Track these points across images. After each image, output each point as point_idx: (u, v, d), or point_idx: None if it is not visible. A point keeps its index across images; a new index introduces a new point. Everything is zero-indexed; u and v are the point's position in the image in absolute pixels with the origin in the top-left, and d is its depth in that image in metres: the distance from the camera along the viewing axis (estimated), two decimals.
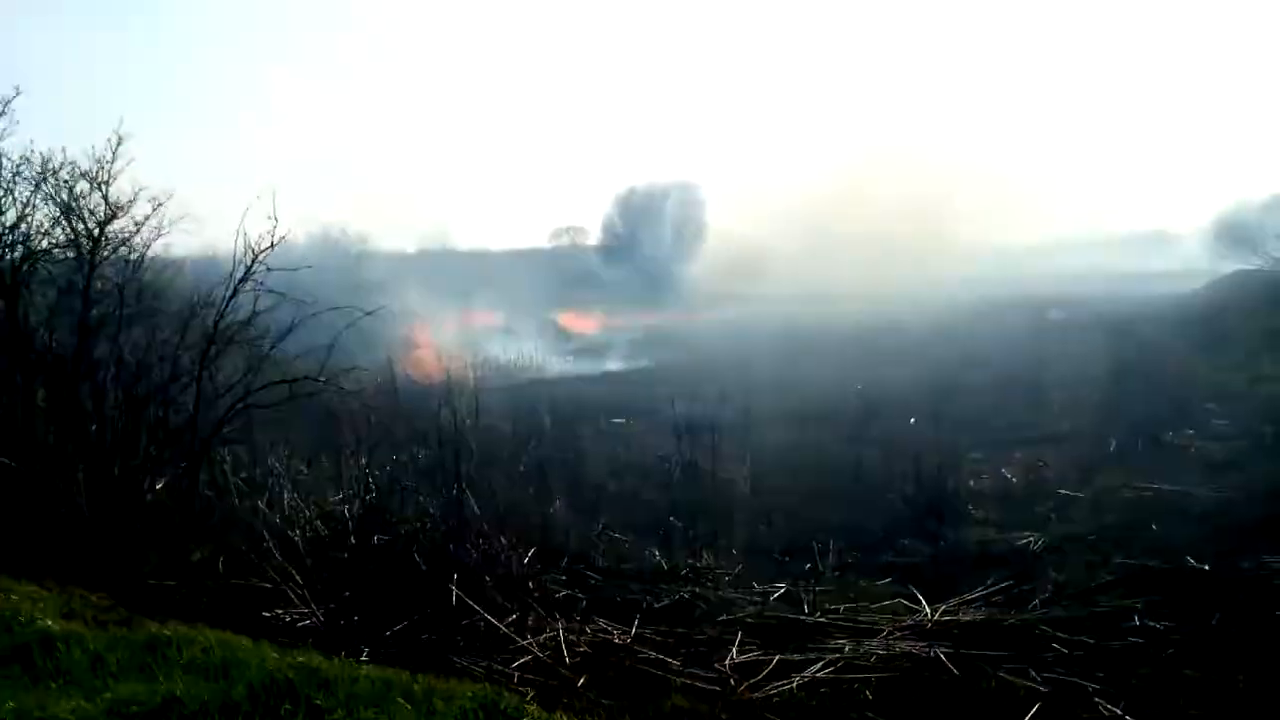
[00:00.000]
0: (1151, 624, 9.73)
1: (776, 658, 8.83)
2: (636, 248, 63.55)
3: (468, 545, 10.97)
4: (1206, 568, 11.50)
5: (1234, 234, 64.62)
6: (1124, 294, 47.63)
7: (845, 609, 10.63)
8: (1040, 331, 37.27)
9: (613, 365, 36.44)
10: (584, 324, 48.05)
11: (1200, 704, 7.63)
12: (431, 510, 11.63)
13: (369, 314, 12.82)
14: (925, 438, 19.74)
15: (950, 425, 20.88)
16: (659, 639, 9.63)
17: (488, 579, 10.24)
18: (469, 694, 5.46)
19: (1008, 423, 22.99)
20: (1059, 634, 9.44)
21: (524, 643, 8.91)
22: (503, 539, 11.52)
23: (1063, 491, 16.02)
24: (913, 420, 21.94)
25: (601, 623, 9.84)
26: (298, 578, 9.54)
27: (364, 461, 13.31)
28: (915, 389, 25.12)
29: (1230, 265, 60.42)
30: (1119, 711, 7.49)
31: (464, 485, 11.88)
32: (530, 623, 9.52)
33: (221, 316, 11.68)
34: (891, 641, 9.40)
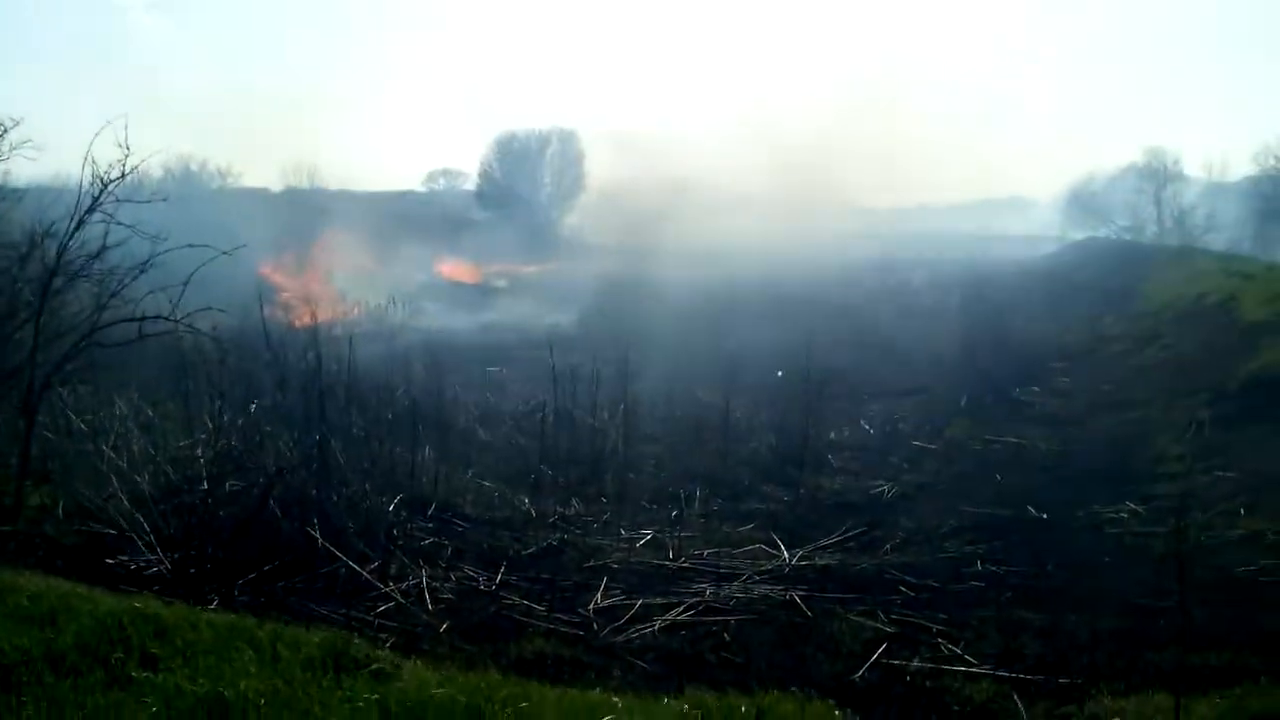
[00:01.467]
0: (992, 568, 10.35)
1: (640, 602, 9.01)
2: (514, 194, 62.45)
3: (329, 491, 10.70)
4: (1044, 516, 12.30)
5: (1084, 203, 68.29)
6: (981, 257, 49.76)
7: (709, 554, 10.91)
8: (901, 291, 38.68)
9: (489, 315, 35.88)
10: (460, 271, 47.10)
11: (1035, 642, 8.16)
12: (292, 456, 11.25)
13: (226, 253, 12.15)
14: (790, 391, 20.29)
15: (814, 379, 21.51)
16: (525, 585, 9.68)
17: (350, 526, 10.03)
18: (316, 640, 5.33)
19: (869, 377, 23.80)
20: (907, 578, 9.95)
21: (386, 589, 8.80)
22: (367, 486, 11.30)
23: (916, 443, 16.76)
24: (779, 374, 22.49)
25: (467, 570, 9.81)
26: (144, 524, 9.10)
27: (219, 405, 12.73)
28: (783, 344, 25.70)
29: (1080, 232, 64.04)
30: (958, 650, 7.95)
31: (328, 431, 11.52)
32: (393, 570, 9.40)
33: (65, 248, 10.87)
34: (750, 585, 9.72)
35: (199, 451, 10.63)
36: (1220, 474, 13.26)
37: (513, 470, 14.63)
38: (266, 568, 8.91)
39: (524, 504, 12.82)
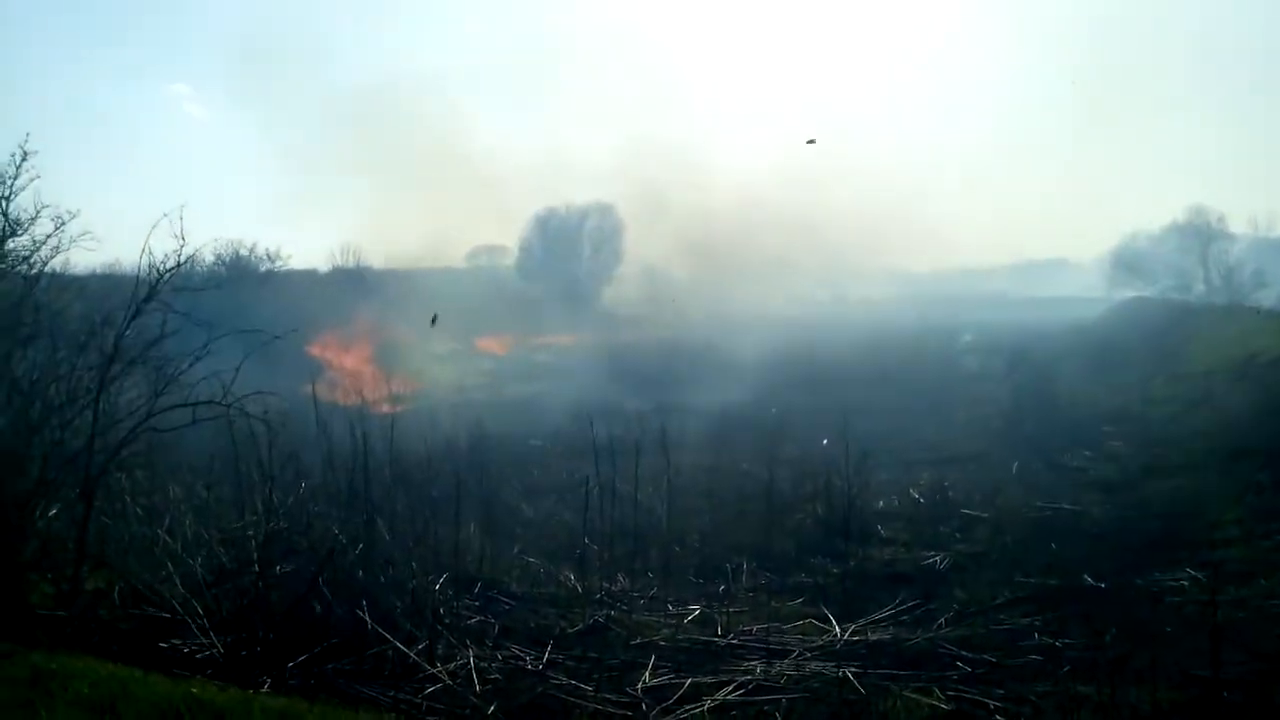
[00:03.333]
0: (1049, 640, 10.08)
1: (689, 681, 8.88)
2: (554, 269, 63.44)
3: (376, 572, 10.76)
4: (1102, 585, 11.98)
5: (1129, 263, 67.68)
6: (1027, 320, 49.37)
7: (758, 630, 10.75)
8: (947, 355, 38.40)
9: (530, 387, 36.23)
10: (503, 345, 47.72)
11: (1094, 718, 7.91)
12: (340, 536, 11.35)
13: (277, 338, 12.49)
14: (836, 459, 20.12)
15: (860, 446, 21.34)
16: (572, 664, 9.60)
17: (397, 606, 10.06)
18: None
19: (915, 444, 23.57)
20: (962, 652, 9.71)
21: (433, 670, 8.77)
22: (413, 565, 11.34)
23: (967, 511, 16.47)
24: (824, 442, 22.33)
25: (514, 649, 9.76)
26: (198, 607, 9.21)
27: (269, 487, 12.94)
28: (827, 411, 25.58)
29: (1125, 292, 63.34)
30: None
31: (374, 510, 11.64)
32: (440, 651, 9.38)
33: (122, 337, 11.25)
34: (802, 662, 9.55)
35: (250, 533, 10.77)
36: None
37: (557, 546, 14.62)
38: (317, 650, 8.95)
39: (569, 580, 12.77)
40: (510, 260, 71.79)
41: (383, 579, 10.76)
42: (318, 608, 9.65)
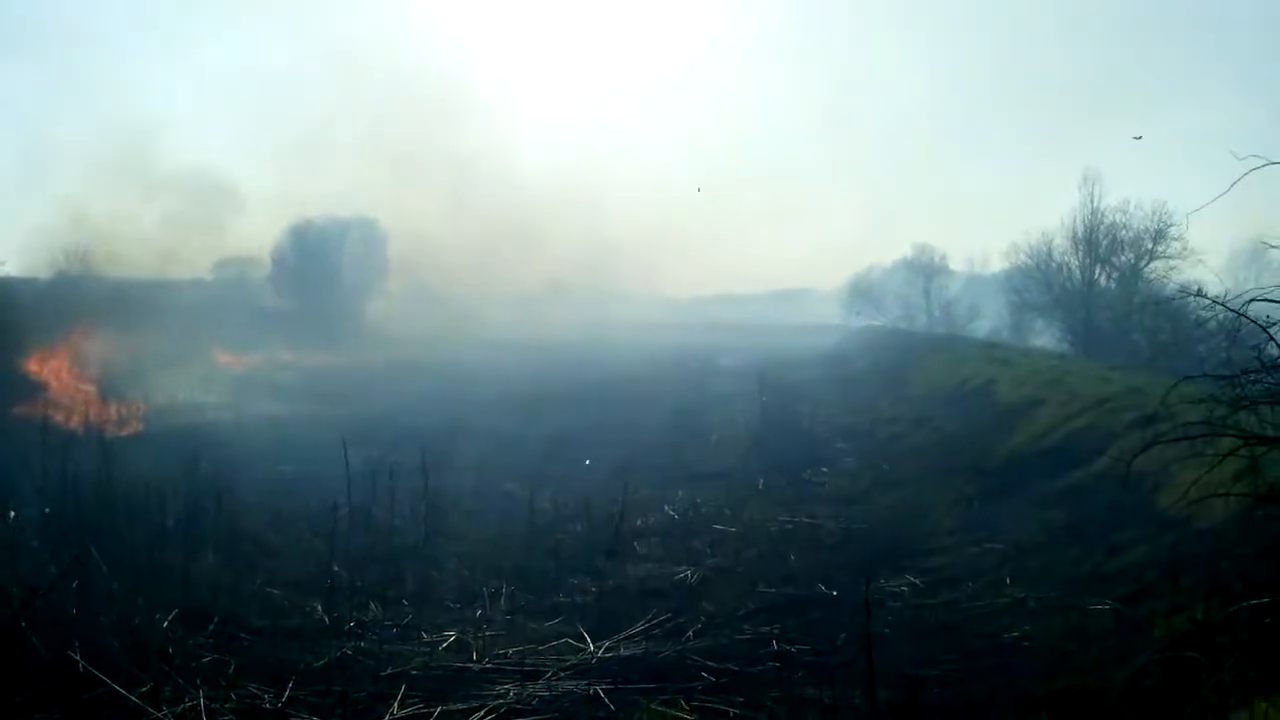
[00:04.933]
0: (786, 648, 10.73)
1: (439, 709, 8.72)
2: (310, 283, 60.52)
3: (94, 609, 9.82)
4: (834, 593, 12.90)
5: (863, 293, 73.72)
6: (776, 344, 52.52)
7: (513, 653, 10.72)
8: (704, 377, 40.11)
9: (280, 407, 34.26)
10: (250, 363, 44.86)
11: (818, 719, 8.50)
12: (51, 570, 10.27)
13: None
14: (597, 479, 20.50)
15: (621, 466, 21.84)
16: (315, 700, 9.16)
17: (116, 645, 9.21)
18: None
19: (674, 462, 24.41)
20: (708, 663, 10.15)
21: (157, 715, 8.10)
22: (138, 601, 10.45)
23: (717, 526, 17.25)
24: (587, 462, 22.70)
25: (252, 688, 9.18)
26: None
27: None
28: (591, 432, 26.05)
29: (860, 321, 68.83)
30: None
31: (88, 541, 10.61)
32: (167, 693, 8.67)
33: None
34: (555, 682, 9.62)
35: None
36: (987, 545, 14.43)
37: (305, 576, 13.88)
38: (19, 699, 8.02)
39: (316, 611, 12.18)
40: (263, 272, 67.77)
41: (101, 616, 9.83)
42: (21, 652, 8.66)
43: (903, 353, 39.66)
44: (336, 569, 13.53)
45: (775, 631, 11.19)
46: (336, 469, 15.98)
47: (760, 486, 20.43)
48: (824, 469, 21.85)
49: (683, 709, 8.72)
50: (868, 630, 7.23)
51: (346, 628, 11.56)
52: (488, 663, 10.33)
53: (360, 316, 59.84)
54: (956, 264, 75.37)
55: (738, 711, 8.64)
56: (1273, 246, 6.71)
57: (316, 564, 14.27)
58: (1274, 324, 7.50)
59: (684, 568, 14.73)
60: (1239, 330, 7.98)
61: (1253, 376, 6.94)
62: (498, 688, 9.53)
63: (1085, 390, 21.09)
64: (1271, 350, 7.23)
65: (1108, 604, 10.77)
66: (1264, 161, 6.88)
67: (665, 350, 48.30)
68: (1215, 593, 9.51)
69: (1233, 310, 7.33)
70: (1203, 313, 19.83)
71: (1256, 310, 7.58)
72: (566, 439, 24.70)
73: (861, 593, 12.81)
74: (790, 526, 16.94)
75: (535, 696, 9.10)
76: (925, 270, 73.15)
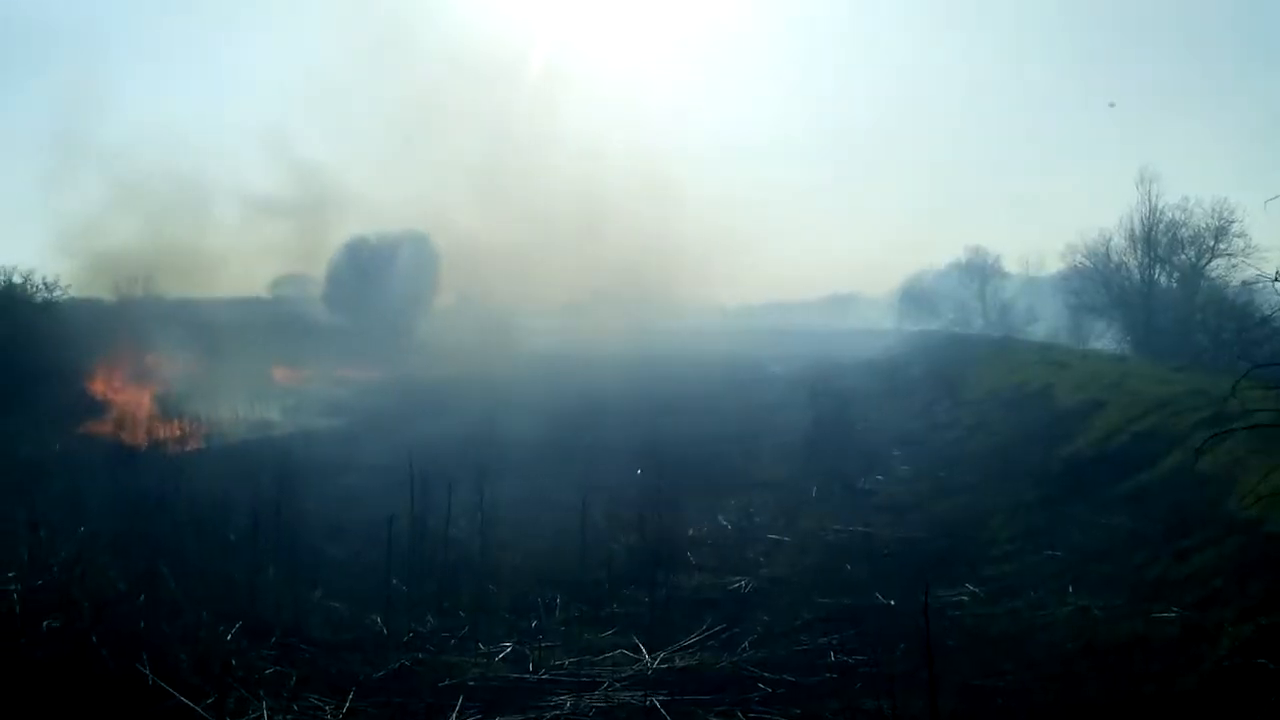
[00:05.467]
0: (844, 658, 10.62)
1: (496, 719, 8.77)
2: (365, 300, 61.45)
3: (160, 623, 10.05)
4: (891, 602, 12.74)
5: (916, 298, 72.87)
6: (827, 351, 52.07)
7: (569, 664, 10.75)
8: (755, 385, 39.90)
9: (338, 421, 34.84)
10: (309, 378, 45.68)
11: None
12: (120, 586, 10.53)
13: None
14: (650, 488, 20.46)
15: (673, 475, 21.80)
16: (374, 711, 9.29)
17: (183, 658, 9.41)
18: None
19: (725, 471, 24.31)
20: (764, 674, 10.08)
21: None
22: (203, 615, 10.67)
23: (771, 536, 17.14)
24: (639, 471, 22.69)
25: (313, 699, 9.33)
26: None
27: (41, 534, 11.85)
28: (642, 440, 26.04)
29: (914, 325, 68.01)
30: None
31: (158, 555, 10.87)
32: (231, 704, 8.85)
33: None
34: (611, 693, 9.62)
35: (14, 588, 9.81)
36: (1049, 553, 14.14)
37: (364, 588, 14.07)
38: (89, 712, 8.24)
39: (375, 623, 12.34)
40: (318, 290, 68.98)
41: (167, 630, 10.06)
42: (93, 665, 8.90)
43: (957, 357, 39.06)
44: (395, 581, 13.72)
45: (832, 642, 11.08)
46: (393, 481, 16.25)
47: (814, 495, 20.27)
48: (879, 476, 21.61)
49: (739, 718, 8.67)
50: (927, 639, 7.12)
51: (405, 639, 11.70)
52: (544, 674, 10.36)
53: (412, 331, 60.62)
54: (1011, 266, 74.26)
55: None
56: None
57: (375, 576, 14.47)
58: None
59: (738, 578, 14.66)
60: None
61: None
62: (554, 698, 9.56)
63: (1147, 392, 20.59)
64: None
65: (1174, 611, 10.49)
66: None
67: (716, 358, 48.15)
68: None
69: None
70: (1266, 311, 19.24)
71: None
72: (617, 449, 24.72)
73: (919, 601, 12.69)
74: (845, 535, 16.78)
75: (592, 707, 9.11)
76: (980, 272, 72.11)
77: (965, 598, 12.70)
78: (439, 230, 67.32)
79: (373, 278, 62.96)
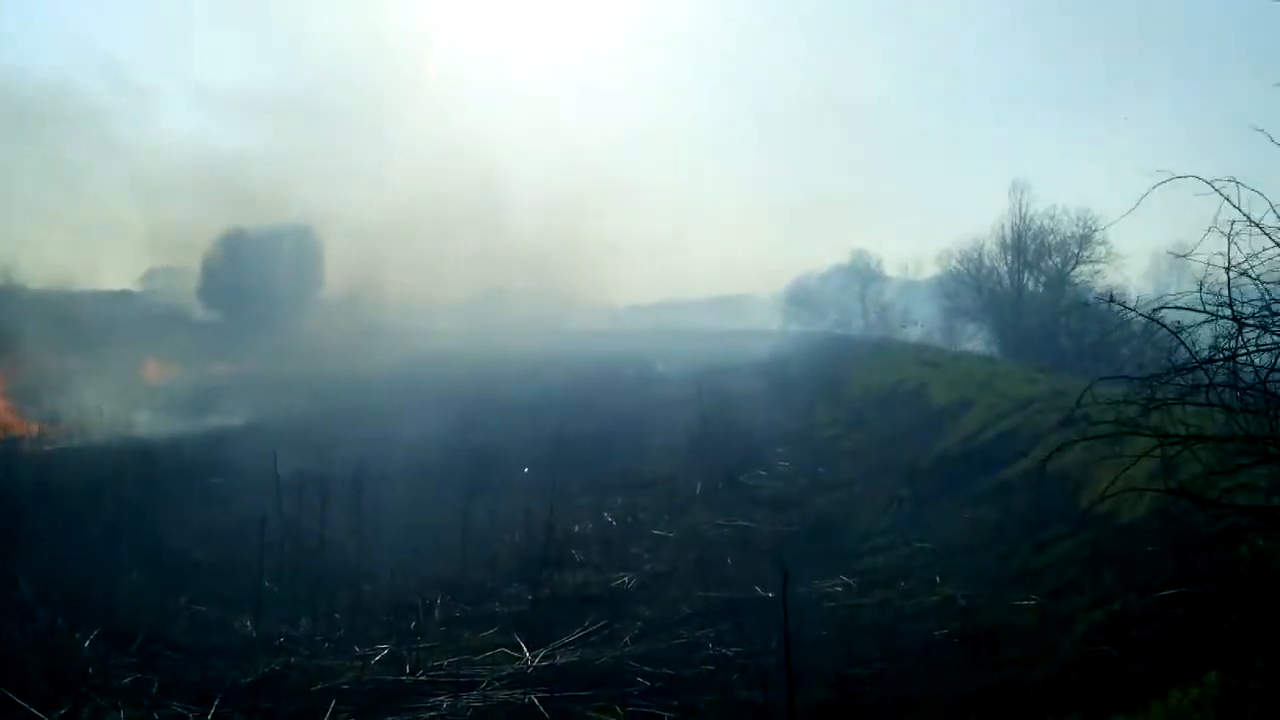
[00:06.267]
0: (722, 651, 10.80)
1: None
2: (244, 294, 59.22)
3: (12, 629, 9.51)
4: (770, 595, 13.00)
5: (800, 299, 74.75)
6: (713, 351, 52.84)
7: (448, 664, 10.62)
8: (643, 384, 40.18)
9: (212, 420, 33.48)
10: (180, 375, 43.71)
11: None
12: None
13: None
14: (535, 488, 20.39)
15: (561, 473, 21.77)
16: (242, 717, 8.98)
17: (35, 666, 8.92)
18: None
19: (613, 470, 24.40)
20: (644, 668, 10.17)
21: None
22: (59, 619, 10.14)
23: (656, 532, 17.30)
24: (525, 470, 22.58)
25: (176, 707, 8.97)
26: None
27: None
28: (529, 439, 25.90)
29: (798, 326, 69.71)
30: None
31: (10, 559, 10.27)
32: (86, 714, 8.43)
33: None
34: (490, 692, 9.55)
35: None
36: (919, 544, 14.69)
37: (234, 591, 13.59)
38: None
39: (246, 627, 11.94)
40: (194, 283, 66.17)
41: (19, 636, 9.52)
42: None
43: (839, 357, 40.25)
44: (267, 584, 13.29)
45: (711, 635, 11.25)
46: (267, 482, 15.72)
47: (698, 492, 20.53)
48: (761, 473, 22.04)
49: (618, 714, 8.72)
50: (785, 630, 7.33)
51: (276, 643, 11.36)
52: (421, 675, 10.21)
53: (295, 327, 58.76)
54: (891, 269, 76.96)
55: (673, 715, 8.67)
56: (1178, 256, 6.95)
57: (246, 579, 13.98)
58: (1184, 329, 7.78)
59: (622, 574, 14.74)
60: (1153, 334, 8.28)
61: (1164, 378, 7.20)
62: (431, 699, 9.44)
63: (1013, 392, 21.60)
64: (1182, 354, 7.51)
65: (1033, 599, 11.04)
66: (1170, 175, 7.15)
67: (604, 358, 48.24)
68: (1133, 587, 9.82)
69: (1144, 316, 7.61)
70: (1126, 316, 20.48)
71: (1172, 315, 7.88)
72: (503, 448, 24.54)
73: (796, 593, 13.00)
74: (727, 530, 17.05)
75: (470, 707, 9.03)
76: (861, 276, 74.47)
77: (840, 588, 13.08)
78: (328, 222, 65.51)
79: (252, 271, 60.76)
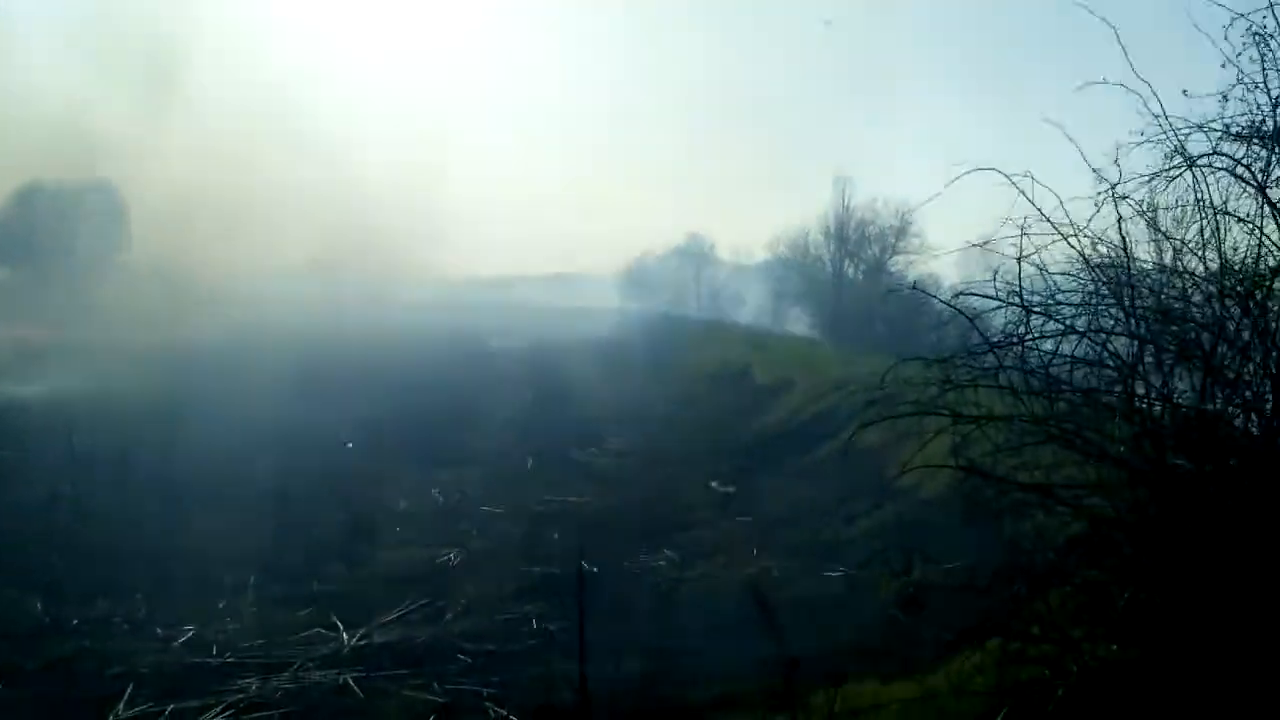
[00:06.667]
0: (546, 626, 10.87)
1: (171, 706, 8.19)
2: (36, 253, 54.41)
3: None
4: (595, 569, 13.17)
5: (638, 279, 75.64)
6: (550, 327, 52.82)
7: (258, 645, 10.21)
8: (476, 360, 39.70)
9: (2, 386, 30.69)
10: None
11: (571, 694, 8.68)
12: None
13: None
14: (359, 464, 19.84)
15: (388, 450, 21.26)
16: (30, 705, 8.37)
17: None
18: None
19: (442, 445, 23.98)
20: (465, 645, 10.12)
21: None
22: None
23: (484, 508, 17.16)
24: (349, 445, 21.93)
25: None
26: None
27: None
28: (356, 415, 25.15)
29: (634, 305, 70.56)
30: (504, 712, 8.25)
31: None
32: None
33: None
34: (302, 673, 9.26)
35: None
36: (740, 519, 15.25)
37: (22, 572, 12.58)
38: None
39: (36, 609, 11.09)
40: None
41: None
42: None
43: (672, 337, 41.06)
44: (58, 564, 12.39)
45: (535, 610, 11.30)
46: (59, 457, 14.63)
47: (529, 468, 20.52)
48: (593, 449, 22.24)
49: (435, 691, 8.64)
50: (580, 604, 7.50)
51: (72, 626, 10.63)
52: (229, 657, 9.79)
53: (93, 290, 54.48)
54: (724, 253, 78.91)
55: (492, 691, 8.67)
56: (974, 245, 7.41)
57: (34, 560, 12.97)
58: (979, 315, 8.31)
59: (447, 550, 14.55)
60: (954, 320, 8.82)
61: (959, 361, 7.68)
62: (239, 682, 9.06)
63: (831, 373, 22.68)
64: (975, 338, 8.02)
65: (841, 570, 11.68)
66: (972, 168, 7.58)
67: (436, 332, 47.30)
68: (930, 558, 10.53)
69: (944, 302, 8.10)
70: (931, 303, 21.81)
71: (973, 303, 8.43)
72: (328, 424, 23.73)
73: (621, 568, 13.25)
74: (556, 505, 17.14)
75: (279, 689, 8.72)
76: (696, 258, 76.01)
77: (663, 563, 13.41)
78: (137, 181, 60.94)
79: (49, 229, 55.94)
